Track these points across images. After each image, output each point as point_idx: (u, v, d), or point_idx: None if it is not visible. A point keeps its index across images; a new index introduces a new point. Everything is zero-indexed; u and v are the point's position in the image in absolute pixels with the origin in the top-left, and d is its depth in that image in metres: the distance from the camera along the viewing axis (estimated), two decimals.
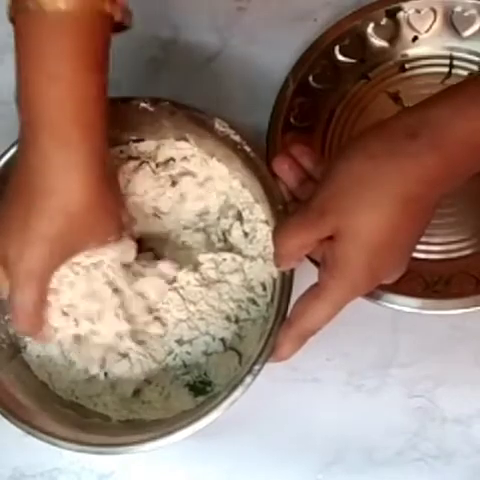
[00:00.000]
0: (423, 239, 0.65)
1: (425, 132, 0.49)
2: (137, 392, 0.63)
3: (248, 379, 0.56)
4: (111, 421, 0.62)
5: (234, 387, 0.56)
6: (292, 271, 0.58)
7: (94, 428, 0.61)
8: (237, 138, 0.61)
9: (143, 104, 0.63)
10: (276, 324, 0.57)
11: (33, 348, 0.65)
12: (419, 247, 0.65)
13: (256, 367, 0.56)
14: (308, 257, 0.62)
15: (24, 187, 0.56)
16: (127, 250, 0.63)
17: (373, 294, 0.62)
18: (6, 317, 0.65)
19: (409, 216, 0.50)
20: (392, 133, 0.50)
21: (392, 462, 0.63)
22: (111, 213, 0.59)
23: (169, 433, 0.56)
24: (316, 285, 0.54)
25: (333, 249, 0.51)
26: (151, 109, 0.63)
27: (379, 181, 0.50)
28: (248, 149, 0.61)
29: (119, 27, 0.56)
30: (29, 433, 0.58)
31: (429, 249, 0.66)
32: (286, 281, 0.58)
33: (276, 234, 0.54)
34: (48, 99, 0.54)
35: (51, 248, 0.57)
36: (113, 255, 0.61)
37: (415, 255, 0.65)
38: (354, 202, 0.50)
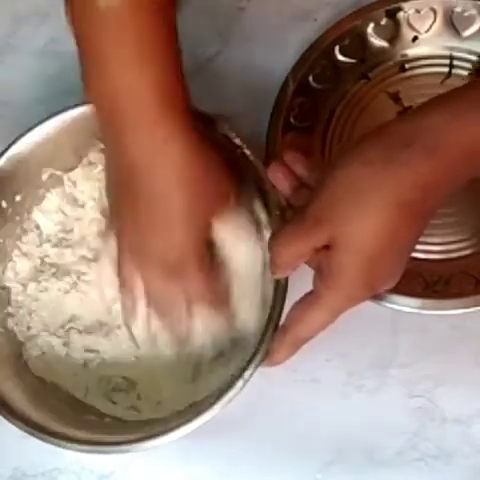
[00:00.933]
0: (423, 239, 0.65)
1: (420, 139, 0.49)
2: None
3: (239, 383, 0.56)
4: (105, 419, 0.62)
5: (225, 391, 0.56)
6: (286, 278, 0.57)
7: (90, 426, 0.61)
8: (238, 141, 0.61)
9: None
10: (268, 330, 0.56)
11: (31, 343, 0.65)
12: (419, 247, 0.65)
13: (247, 372, 0.56)
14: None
15: (129, 184, 0.57)
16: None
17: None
18: (5, 310, 0.65)
19: (404, 223, 0.50)
20: (388, 140, 0.50)
21: (392, 462, 0.63)
22: (218, 175, 0.59)
23: (162, 433, 0.57)
24: (312, 293, 0.54)
25: (329, 258, 0.51)
26: None
27: (374, 189, 0.50)
28: (248, 152, 0.61)
29: None
30: (26, 431, 0.58)
31: (429, 249, 0.66)
32: (280, 288, 0.57)
33: (272, 243, 0.54)
34: (128, 89, 0.55)
35: (190, 228, 0.58)
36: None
37: (415, 255, 0.65)
38: (349, 210, 0.50)
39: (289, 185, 0.57)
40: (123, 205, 0.59)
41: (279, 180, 0.58)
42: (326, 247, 0.51)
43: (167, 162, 0.56)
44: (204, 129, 0.59)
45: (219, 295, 0.61)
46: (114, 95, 0.55)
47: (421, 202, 0.50)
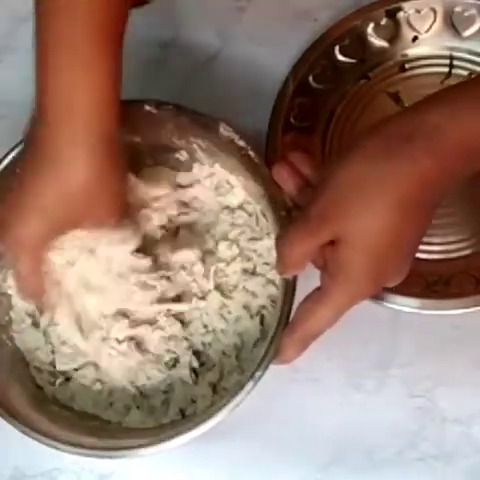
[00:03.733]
0: (423, 239, 0.65)
1: (421, 135, 0.49)
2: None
3: (250, 385, 0.56)
4: (108, 425, 0.62)
5: (235, 393, 0.56)
6: (295, 278, 0.57)
7: (92, 430, 0.61)
8: (242, 143, 0.61)
9: (147, 107, 0.63)
10: (278, 330, 0.56)
11: (33, 351, 0.65)
12: (419, 247, 0.65)
13: (258, 373, 0.56)
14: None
15: (31, 156, 0.57)
16: (128, 238, 0.62)
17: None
18: (6, 318, 0.65)
19: (407, 219, 0.50)
20: (388, 135, 0.50)
21: (392, 462, 0.63)
22: (112, 194, 0.58)
23: (168, 438, 0.56)
24: (318, 289, 0.54)
25: (335, 254, 0.51)
26: (155, 112, 0.63)
27: (376, 184, 0.50)
28: (252, 154, 0.61)
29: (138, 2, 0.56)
30: (26, 434, 0.58)
31: (429, 249, 0.66)
32: (289, 287, 0.57)
33: (279, 243, 0.54)
34: (61, 74, 0.54)
35: (44, 219, 0.57)
36: (109, 239, 0.61)
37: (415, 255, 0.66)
38: (353, 207, 0.50)
39: (294, 185, 0.57)
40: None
41: (284, 180, 0.58)
42: (332, 243, 0.52)
43: (70, 152, 0.55)
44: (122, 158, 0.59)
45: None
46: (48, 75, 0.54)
47: (420, 197, 0.50)
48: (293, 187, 0.57)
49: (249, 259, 0.64)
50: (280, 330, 0.56)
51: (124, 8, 0.55)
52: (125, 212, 0.62)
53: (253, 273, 0.64)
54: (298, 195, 0.57)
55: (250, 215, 0.65)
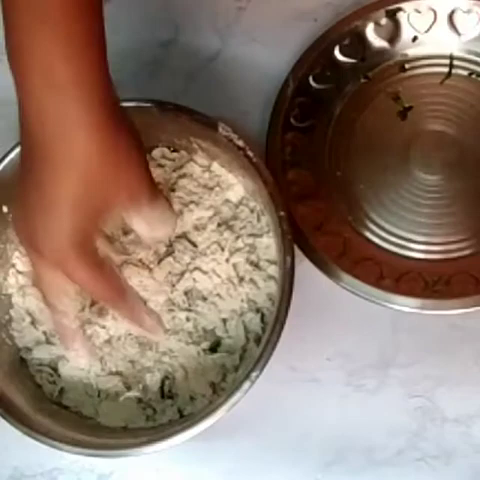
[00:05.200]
0: (423, 239, 0.65)
1: None
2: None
3: (246, 385, 0.56)
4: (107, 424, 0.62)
5: (232, 393, 0.56)
6: (291, 279, 0.57)
7: (91, 430, 0.61)
8: (240, 143, 0.61)
9: (147, 107, 0.63)
10: (274, 331, 0.56)
11: (32, 350, 0.65)
12: (419, 247, 0.66)
13: (254, 373, 0.56)
14: (308, 257, 0.63)
15: (29, 153, 0.52)
16: (166, 220, 0.59)
17: (373, 294, 0.62)
18: (6, 317, 0.65)
19: None
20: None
21: (392, 462, 0.63)
22: (129, 160, 0.53)
23: (166, 437, 0.56)
24: None
25: None
26: (155, 112, 0.63)
27: None
28: (251, 154, 0.61)
29: None
30: (26, 434, 0.58)
31: (429, 249, 0.66)
32: (286, 289, 0.57)
33: None
34: (36, 38, 0.48)
35: (77, 211, 0.51)
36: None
37: (415, 255, 0.65)
38: None
39: None
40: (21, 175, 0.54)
41: None
42: None
43: (64, 125, 0.50)
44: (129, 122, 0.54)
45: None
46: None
47: None
48: None
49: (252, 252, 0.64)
50: (276, 333, 0.56)
51: None
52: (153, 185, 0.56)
53: (257, 265, 0.64)
54: None
55: (252, 211, 0.65)
